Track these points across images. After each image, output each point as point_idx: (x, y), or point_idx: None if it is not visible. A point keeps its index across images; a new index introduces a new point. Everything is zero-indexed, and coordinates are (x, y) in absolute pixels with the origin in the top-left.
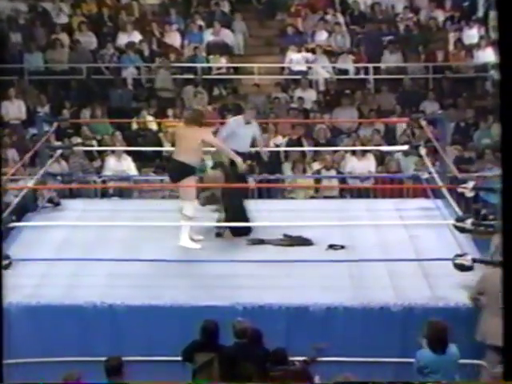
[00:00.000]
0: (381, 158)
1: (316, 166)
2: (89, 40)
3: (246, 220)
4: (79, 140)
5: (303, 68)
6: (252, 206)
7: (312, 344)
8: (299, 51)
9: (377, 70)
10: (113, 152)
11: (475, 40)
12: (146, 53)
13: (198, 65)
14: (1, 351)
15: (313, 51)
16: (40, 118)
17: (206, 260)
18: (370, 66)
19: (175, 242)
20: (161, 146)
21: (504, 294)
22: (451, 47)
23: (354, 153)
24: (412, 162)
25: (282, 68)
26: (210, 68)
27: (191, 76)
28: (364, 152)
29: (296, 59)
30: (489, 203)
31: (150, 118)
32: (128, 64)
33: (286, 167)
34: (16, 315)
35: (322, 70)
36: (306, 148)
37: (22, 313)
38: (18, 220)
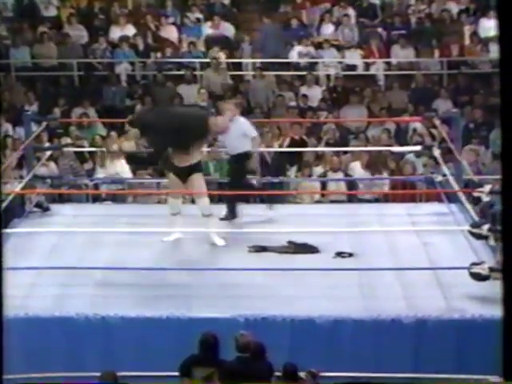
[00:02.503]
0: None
1: (322, 168)
2: (79, 34)
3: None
4: (69, 140)
5: (308, 63)
6: (254, 210)
7: (307, 369)
8: (304, 45)
9: (387, 66)
10: (105, 153)
11: (492, 33)
12: (141, 47)
13: (196, 60)
14: (1, 351)
15: (319, 45)
16: (28, 116)
17: (205, 268)
18: (380, 61)
19: (172, 250)
20: None
21: (504, 294)
22: (467, 41)
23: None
24: (423, 164)
25: (286, 63)
26: (208, 63)
27: (188, 72)
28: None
29: (301, 54)
30: None
31: None
32: (121, 59)
33: (291, 169)
34: (2, 328)
35: (329, 66)
36: (312, 149)
37: (9, 325)
38: (5, 226)
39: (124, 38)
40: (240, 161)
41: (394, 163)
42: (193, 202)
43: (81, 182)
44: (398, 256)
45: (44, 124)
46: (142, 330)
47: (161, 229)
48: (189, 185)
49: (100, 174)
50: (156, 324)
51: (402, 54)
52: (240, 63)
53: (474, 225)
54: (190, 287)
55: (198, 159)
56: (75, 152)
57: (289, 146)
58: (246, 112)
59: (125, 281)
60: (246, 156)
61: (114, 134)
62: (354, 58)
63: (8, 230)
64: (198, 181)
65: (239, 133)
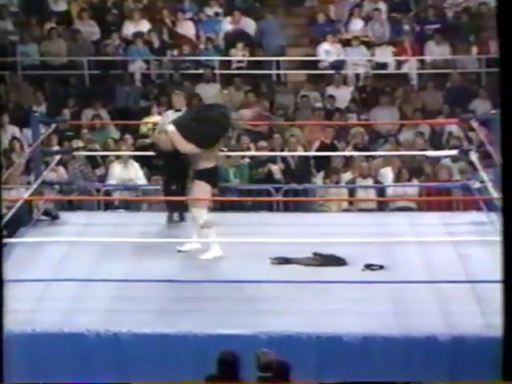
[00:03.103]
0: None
1: (350, 174)
2: (90, 30)
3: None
4: (80, 144)
5: (336, 62)
6: (277, 219)
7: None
8: (331, 42)
9: (421, 64)
10: (118, 158)
11: None
12: (156, 44)
13: (216, 58)
14: (1, 351)
15: (347, 42)
16: (35, 118)
17: (224, 281)
18: (414, 58)
19: (189, 260)
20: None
21: (504, 294)
22: None
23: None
24: (460, 169)
25: (312, 62)
26: (228, 62)
27: (208, 70)
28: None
29: (328, 52)
30: None
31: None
32: (135, 57)
33: (318, 176)
34: (8, 344)
35: (358, 64)
36: (339, 153)
37: (15, 341)
38: (11, 235)
39: (138, 35)
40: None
41: (429, 169)
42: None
43: (92, 188)
44: (433, 269)
45: (53, 126)
46: (157, 347)
47: (178, 239)
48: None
49: (112, 179)
50: (172, 341)
51: (436, 51)
52: (262, 61)
53: None
54: (209, 301)
55: (210, 165)
56: (86, 156)
57: (318, 151)
58: (269, 113)
59: (139, 294)
60: None
61: (128, 136)
62: (385, 55)
63: (14, 240)
64: (197, 187)
65: None
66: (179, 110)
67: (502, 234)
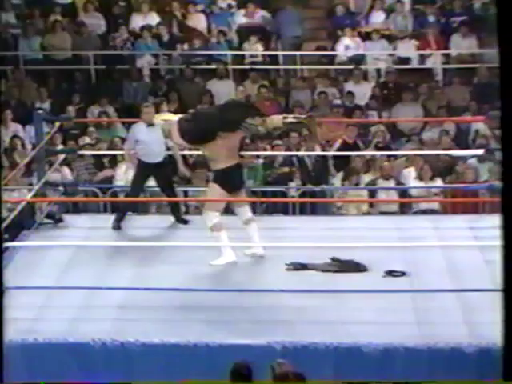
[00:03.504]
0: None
1: (371, 175)
2: (96, 23)
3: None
4: (87, 140)
5: (355, 56)
6: (293, 223)
7: None
8: (351, 36)
9: (446, 58)
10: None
11: None
12: (166, 38)
13: (229, 52)
14: (1, 351)
15: (367, 36)
16: (39, 116)
17: (237, 289)
18: (438, 52)
19: (200, 266)
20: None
21: (504, 293)
22: None
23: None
24: (487, 170)
25: (331, 57)
26: (242, 56)
27: (221, 65)
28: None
29: (347, 46)
30: None
31: (170, 117)
32: (144, 51)
33: (336, 177)
34: (9, 355)
35: (379, 59)
36: (358, 153)
37: (17, 352)
38: (12, 239)
39: (147, 28)
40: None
41: (454, 169)
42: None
43: (98, 189)
44: (458, 275)
45: (57, 124)
46: (167, 358)
47: (190, 243)
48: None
49: (119, 180)
50: (182, 352)
51: (463, 45)
52: (277, 56)
53: None
54: (221, 310)
55: (223, 167)
56: (93, 157)
57: (340, 150)
58: (285, 111)
59: (148, 302)
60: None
61: None
62: (408, 49)
63: (16, 244)
64: (209, 189)
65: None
66: (152, 125)
67: (502, 239)
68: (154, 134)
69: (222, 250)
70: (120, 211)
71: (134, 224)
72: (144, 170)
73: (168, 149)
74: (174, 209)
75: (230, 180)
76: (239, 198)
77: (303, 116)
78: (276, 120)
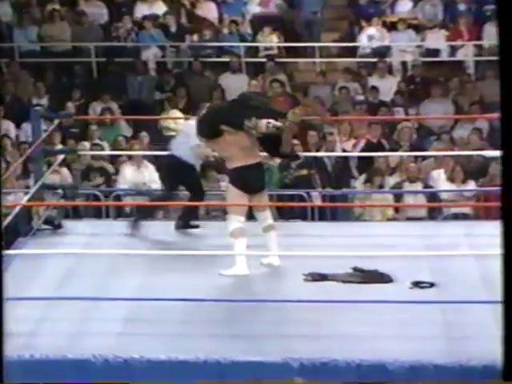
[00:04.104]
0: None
1: (397, 177)
2: (98, 12)
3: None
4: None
5: (380, 48)
6: (311, 229)
7: None
8: (375, 26)
9: (479, 50)
10: (130, 158)
11: None
12: (173, 28)
13: (242, 44)
14: (1, 349)
15: (393, 26)
16: (36, 113)
17: (249, 300)
18: (470, 43)
19: (210, 276)
20: None
21: (504, 293)
22: None
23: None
24: None
25: (352, 48)
26: (256, 48)
27: (234, 58)
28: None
29: (370, 36)
30: None
31: (178, 114)
32: (149, 43)
33: (358, 179)
34: (4, 372)
35: (406, 51)
36: (383, 153)
37: (12, 369)
38: (7, 247)
39: (153, 17)
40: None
41: (487, 171)
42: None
43: (100, 193)
44: (492, 286)
45: (56, 122)
46: (174, 376)
47: (200, 252)
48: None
49: (124, 183)
50: (191, 369)
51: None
52: (295, 48)
53: None
54: (232, 324)
55: (239, 165)
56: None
57: (364, 150)
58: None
59: (154, 315)
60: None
61: (144, 134)
62: (437, 40)
63: (11, 252)
64: (227, 191)
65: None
66: None
67: (502, 248)
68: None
69: (236, 259)
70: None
71: (142, 230)
72: (173, 169)
73: None
74: (186, 213)
75: (247, 180)
76: (260, 200)
77: (286, 123)
78: (261, 124)
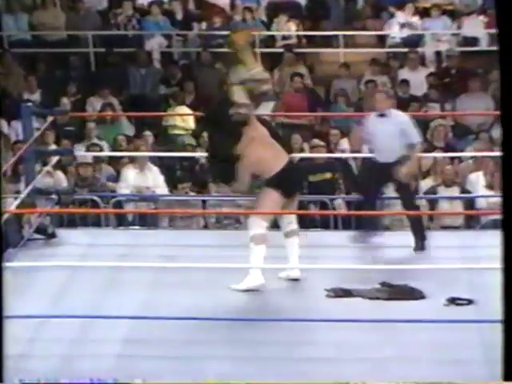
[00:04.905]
0: None
1: (431, 181)
2: None
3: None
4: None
5: (410, 37)
6: (334, 239)
7: None
8: (406, 12)
9: None
10: (133, 160)
11: None
12: (180, 15)
13: (256, 33)
14: (1, 348)
15: (426, 12)
16: (27, 109)
17: (266, 319)
18: None
19: (220, 291)
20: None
21: (504, 293)
22: None
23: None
24: None
25: (380, 38)
26: (272, 38)
27: None
28: None
29: (400, 24)
30: None
31: (185, 111)
32: (153, 31)
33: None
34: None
35: (440, 40)
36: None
37: None
38: None
39: (157, 3)
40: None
41: None
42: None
43: (99, 198)
44: None
45: (49, 119)
46: None
47: (210, 264)
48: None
49: (125, 187)
50: None
51: None
52: (316, 37)
53: None
54: (245, 345)
55: (275, 171)
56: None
57: None
58: (325, 103)
59: (157, 335)
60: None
61: (147, 133)
62: (475, 28)
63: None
64: (262, 196)
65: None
66: (384, 115)
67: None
68: (387, 127)
69: (251, 270)
70: (370, 226)
71: (144, 240)
72: (373, 171)
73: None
74: (417, 227)
75: (290, 182)
76: (292, 203)
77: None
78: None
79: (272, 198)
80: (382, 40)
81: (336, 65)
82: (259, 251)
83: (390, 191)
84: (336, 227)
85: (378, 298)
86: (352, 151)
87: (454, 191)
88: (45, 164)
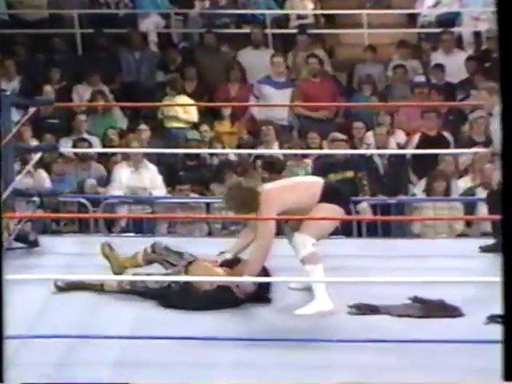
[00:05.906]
0: None
1: (468, 181)
2: None
3: None
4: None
5: (445, 16)
6: (357, 247)
7: None
8: None
9: None
10: (126, 157)
11: None
12: None
13: (268, 12)
14: (1, 347)
15: None
16: (5, 98)
17: (281, 339)
18: None
19: (232, 308)
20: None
21: (504, 293)
22: None
23: None
24: None
25: (411, 16)
26: (286, 17)
27: (256, 29)
28: None
29: (433, 2)
30: None
31: (186, 100)
32: (149, 9)
33: (418, 184)
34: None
35: (478, 19)
36: (448, 151)
37: None
38: None
39: None
40: None
41: None
42: None
43: (87, 200)
44: None
45: (31, 111)
46: None
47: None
48: None
49: (117, 188)
50: None
51: None
52: (333, 16)
53: None
54: (255, 369)
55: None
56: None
57: (419, 147)
58: (349, 91)
59: (153, 356)
60: None
61: (143, 126)
62: None
63: None
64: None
65: None
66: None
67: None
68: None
69: (316, 293)
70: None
71: (139, 249)
72: None
73: None
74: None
75: (342, 193)
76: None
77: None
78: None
79: (330, 210)
80: (412, 19)
81: (360, 48)
82: (319, 271)
83: (419, 192)
84: (360, 234)
85: (408, 316)
86: (378, 147)
87: None
88: (25, 162)
